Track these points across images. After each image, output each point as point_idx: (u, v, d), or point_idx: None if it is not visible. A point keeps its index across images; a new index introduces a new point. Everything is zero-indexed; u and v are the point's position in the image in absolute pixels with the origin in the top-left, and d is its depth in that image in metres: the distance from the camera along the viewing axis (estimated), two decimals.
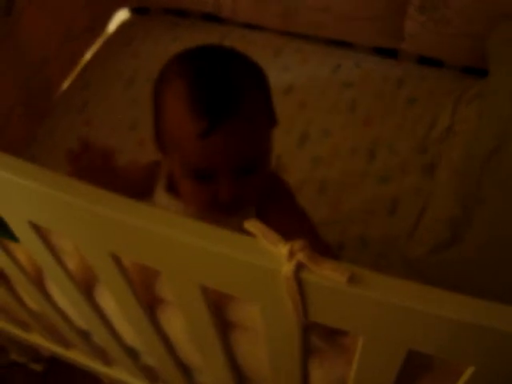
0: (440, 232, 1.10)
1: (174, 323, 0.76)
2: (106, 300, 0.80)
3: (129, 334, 0.89)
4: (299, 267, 0.46)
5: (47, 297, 0.90)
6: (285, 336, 0.60)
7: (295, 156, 1.36)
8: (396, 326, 0.49)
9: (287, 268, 0.46)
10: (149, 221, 0.52)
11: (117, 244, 0.60)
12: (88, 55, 1.70)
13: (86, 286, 0.81)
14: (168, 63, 0.87)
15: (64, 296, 0.86)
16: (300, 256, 0.45)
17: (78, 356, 1.25)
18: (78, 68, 1.67)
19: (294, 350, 0.62)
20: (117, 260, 0.63)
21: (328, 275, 0.45)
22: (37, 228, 0.65)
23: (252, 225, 0.47)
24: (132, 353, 1.01)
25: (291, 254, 0.45)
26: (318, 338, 0.63)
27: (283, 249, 0.46)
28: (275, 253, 0.46)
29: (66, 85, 1.63)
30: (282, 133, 1.39)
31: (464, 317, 0.44)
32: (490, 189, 1.06)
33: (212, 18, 1.71)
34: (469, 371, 0.52)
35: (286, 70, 1.53)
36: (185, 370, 0.96)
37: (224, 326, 0.71)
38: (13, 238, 0.71)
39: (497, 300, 0.45)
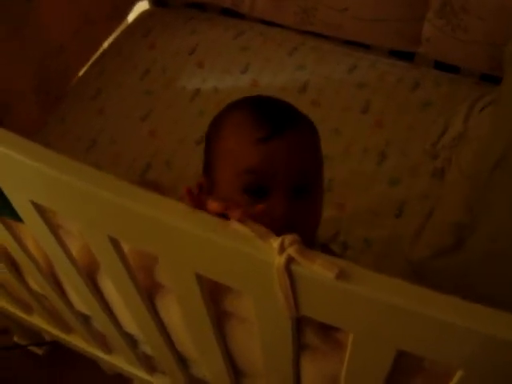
0: (445, 237, 1.10)
1: (173, 311, 0.77)
2: (108, 285, 0.81)
3: (128, 320, 0.90)
4: (290, 261, 0.46)
5: (51, 280, 0.91)
6: (277, 329, 0.60)
7: None
8: (385, 324, 0.49)
9: (278, 261, 0.46)
10: (147, 206, 0.53)
11: (116, 227, 0.61)
12: (106, 44, 1.71)
13: (89, 270, 0.81)
14: (222, 110, 0.88)
15: (66, 279, 0.87)
16: (290, 250, 0.46)
17: (78, 341, 1.26)
18: (95, 56, 1.68)
19: (287, 343, 0.63)
20: (116, 244, 0.64)
21: (317, 270, 0.45)
22: (39, 208, 0.66)
23: (243, 221, 0.48)
24: (131, 341, 1.02)
25: (282, 248, 0.46)
26: (311, 332, 0.63)
27: (274, 243, 0.46)
28: (268, 246, 0.47)
29: (81, 72, 1.64)
30: None
31: (451, 318, 0.44)
32: (496, 197, 1.05)
33: (230, 13, 1.72)
34: (458, 375, 0.52)
35: (301, 69, 1.53)
36: (182, 360, 0.97)
37: (220, 316, 0.71)
38: (17, 218, 0.72)
39: (495, 307, 0.45)
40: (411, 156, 1.32)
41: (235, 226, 0.49)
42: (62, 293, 0.95)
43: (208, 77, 1.55)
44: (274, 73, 1.53)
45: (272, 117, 0.78)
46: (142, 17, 1.77)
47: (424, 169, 1.29)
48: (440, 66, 1.51)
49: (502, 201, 1.01)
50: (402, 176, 1.28)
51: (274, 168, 0.75)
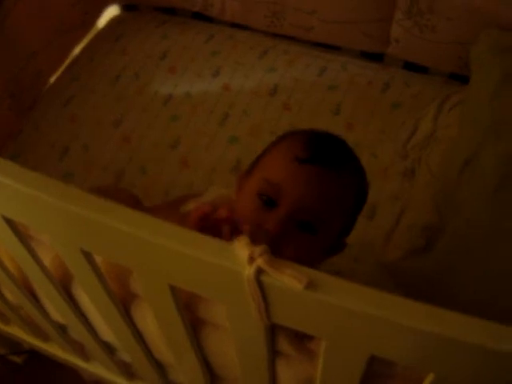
0: (415, 238, 1.11)
1: (149, 320, 0.77)
2: (82, 295, 0.81)
3: (104, 329, 0.90)
4: (260, 271, 0.47)
5: (26, 291, 0.90)
6: (251, 337, 0.61)
7: None
8: (356, 331, 0.50)
9: (248, 271, 0.47)
10: (117, 220, 0.53)
11: (87, 241, 0.61)
12: (77, 50, 1.70)
13: (63, 281, 0.81)
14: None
15: (41, 290, 0.87)
16: (259, 261, 0.46)
17: (56, 350, 1.26)
18: (67, 62, 1.67)
19: (261, 351, 0.64)
20: (88, 256, 0.64)
21: (286, 280, 0.46)
22: (10, 222, 0.65)
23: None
24: (108, 348, 1.02)
25: (251, 259, 0.47)
26: (285, 340, 0.64)
27: (244, 253, 0.47)
28: (237, 256, 0.48)
29: (53, 78, 1.63)
30: (266, 134, 1.40)
31: (420, 325, 0.45)
32: (464, 197, 1.07)
33: (201, 17, 1.72)
34: (429, 378, 0.54)
35: (272, 71, 1.54)
36: (159, 367, 0.97)
37: (195, 323, 0.72)
38: None
39: (465, 308, 0.46)
40: (382, 157, 1.34)
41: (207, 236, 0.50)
42: (38, 303, 0.94)
43: (180, 81, 1.56)
44: (246, 76, 1.54)
45: (319, 146, 0.80)
46: (113, 22, 1.77)
47: (395, 170, 1.31)
48: (409, 66, 1.53)
49: (469, 201, 1.03)
50: (373, 178, 1.29)
51: (289, 189, 0.76)
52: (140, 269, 0.61)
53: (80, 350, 1.17)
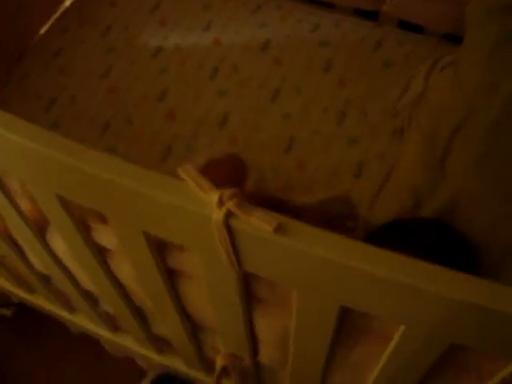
0: (403, 199, 1.11)
1: (125, 269, 0.77)
2: (59, 242, 0.81)
3: (84, 277, 0.90)
4: (229, 215, 0.46)
5: (9, 241, 0.90)
6: (225, 284, 0.61)
7: (266, 112, 1.35)
8: (326, 279, 0.50)
9: (217, 215, 0.46)
10: (90, 164, 0.52)
11: (62, 186, 0.60)
12: (67, 2, 1.67)
13: (40, 228, 0.81)
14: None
15: (21, 238, 0.87)
16: (229, 204, 0.46)
17: (42, 301, 1.26)
18: (57, 14, 1.64)
19: (235, 298, 0.63)
20: (63, 202, 0.63)
21: (255, 223, 0.45)
22: None
23: (185, 171, 0.47)
24: (91, 299, 1.02)
25: (221, 202, 0.46)
26: (259, 286, 0.64)
27: (214, 196, 0.46)
28: (207, 200, 0.47)
29: (43, 30, 1.60)
30: (254, 88, 1.39)
31: (390, 274, 0.44)
32: (453, 164, 1.06)
33: None
34: (400, 330, 0.54)
35: (264, 27, 1.51)
36: (142, 319, 0.97)
37: (171, 272, 0.72)
38: None
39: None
40: (372, 115, 1.32)
41: (180, 173, 0.48)
42: (21, 254, 0.94)
43: (170, 34, 1.52)
44: (237, 31, 1.51)
45: None
46: None
47: (384, 128, 1.30)
48: (404, 25, 1.50)
49: (458, 168, 1.02)
50: (361, 136, 1.29)
51: None
52: (114, 215, 0.60)
53: (65, 302, 1.17)
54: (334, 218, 0.80)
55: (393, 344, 0.57)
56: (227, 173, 1.13)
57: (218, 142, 1.31)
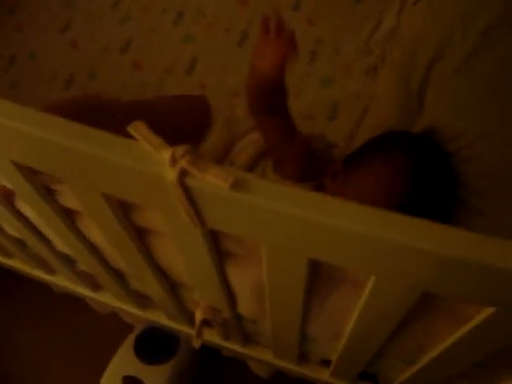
0: None
1: (94, 230, 0.75)
2: (28, 208, 0.79)
3: (57, 241, 0.88)
4: (183, 174, 0.44)
5: None
6: (192, 242, 0.59)
7: (237, 55, 1.31)
8: (290, 233, 0.48)
9: (171, 175, 0.44)
10: (41, 128, 0.49)
11: (16, 152, 0.57)
12: None
13: (8, 195, 0.78)
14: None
15: None
16: (182, 162, 0.43)
17: (20, 265, 1.25)
18: None
19: (204, 254, 0.62)
20: (20, 168, 0.60)
21: (211, 180, 0.43)
22: None
23: (135, 129, 0.45)
24: (67, 260, 1.00)
25: (174, 161, 0.43)
26: (228, 241, 0.62)
27: (165, 154, 0.44)
28: (159, 159, 0.44)
29: None
30: (222, 32, 1.34)
31: (353, 226, 0.43)
32: (432, 94, 1.03)
33: None
34: (372, 280, 0.52)
35: None
36: (120, 277, 0.96)
37: (141, 231, 0.69)
38: None
39: None
40: (344, 54, 1.28)
41: (131, 131, 0.46)
42: None
43: None
44: None
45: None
46: None
47: (357, 67, 1.26)
48: None
49: (433, 104, 0.99)
50: (335, 75, 1.25)
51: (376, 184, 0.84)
52: (72, 179, 0.57)
53: (43, 264, 1.16)
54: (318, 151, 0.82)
55: (366, 293, 0.55)
56: (191, 114, 1.09)
57: (186, 89, 1.27)
